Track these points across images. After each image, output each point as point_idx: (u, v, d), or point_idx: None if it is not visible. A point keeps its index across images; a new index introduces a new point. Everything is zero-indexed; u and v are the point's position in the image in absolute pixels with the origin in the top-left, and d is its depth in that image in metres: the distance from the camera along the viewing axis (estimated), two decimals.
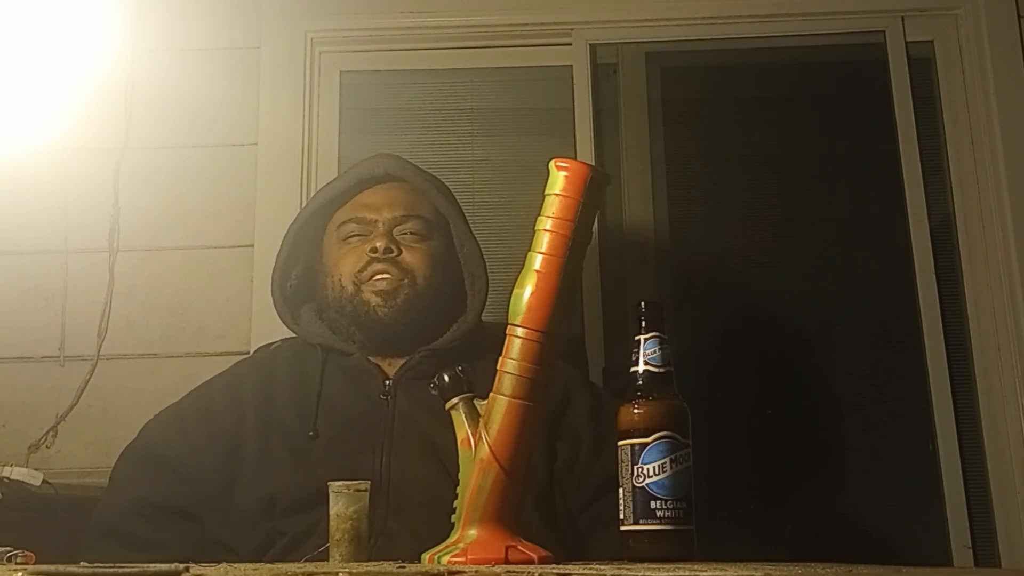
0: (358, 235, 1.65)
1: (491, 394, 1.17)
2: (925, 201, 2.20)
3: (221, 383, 1.69)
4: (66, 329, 2.14)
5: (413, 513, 1.46)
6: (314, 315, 1.69)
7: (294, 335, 1.71)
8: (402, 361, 1.62)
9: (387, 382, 1.61)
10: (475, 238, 1.71)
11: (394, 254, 1.62)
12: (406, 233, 1.65)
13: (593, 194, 1.18)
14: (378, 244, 1.61)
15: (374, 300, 1.60)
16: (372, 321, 1.60)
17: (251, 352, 1.85)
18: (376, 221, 1.65)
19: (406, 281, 1.61)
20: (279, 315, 1.70)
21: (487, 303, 1.68)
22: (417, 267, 1.63)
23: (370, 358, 1.63)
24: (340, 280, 1.63)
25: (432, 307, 1.63)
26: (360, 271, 1.62)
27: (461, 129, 2.35)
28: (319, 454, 1.53)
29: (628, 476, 1.17)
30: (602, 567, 1.05)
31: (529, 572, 0.99)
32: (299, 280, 1.72)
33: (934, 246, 2.19)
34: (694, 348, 2.07)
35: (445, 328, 1.64)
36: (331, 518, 1.26)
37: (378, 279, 1.61)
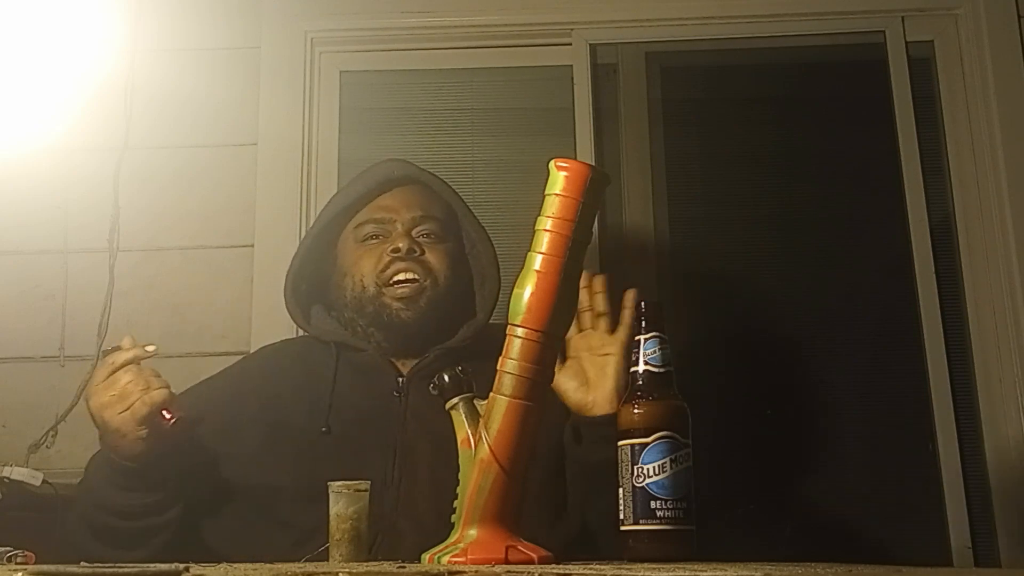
0: (376, 236, 1.66)
1: (491, 394, 1.17)
2: (925, 201, 2.20)
3: (222, 382, 1.70)
4: (66, 329, 2.13)
5: (422, 511, 1.47)
6: (324, 313, 1.70)
7: (296, 336, 1.72)
8: (415, 360, 1.63)
9: (400, 379, 1.61)
10: (489, 239, 1.73)
11: (417, 254, 1.63)
12: (423, 235, 1.67)
13: (593, 194, 1.18)
14: (400, 244, 1.63)
15: (396, 304, 1.61)
16: (394, 323, 1.62)
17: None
18: (395, 221, 1.67)
19: (429, 282, 1.63)
20: (292, 317, 1.71)
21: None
22: (439, 268, 1.65)
23: (384, 356, 1.64)
24: (361, 280, 1.64)
25: (450, 308, 1.66)
26: (382, 271, 1.63)
27: (461, 129, 2.35)
28: (331, 450, 1.53)
29: (628, 476, 1.17)
30: (602, 567, 1.05)
31: (529, 572, 1.00)
32: (309, 283, 1.73)
33: (934, 246, 2.19)
34: (694, 348, 2.07)
35: (456, 328, 1.66)
36: (331, 518, 1.27)
37: (400, 280, 1.62)
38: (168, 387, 1.42)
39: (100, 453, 1.49)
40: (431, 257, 1.64)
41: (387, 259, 1.63)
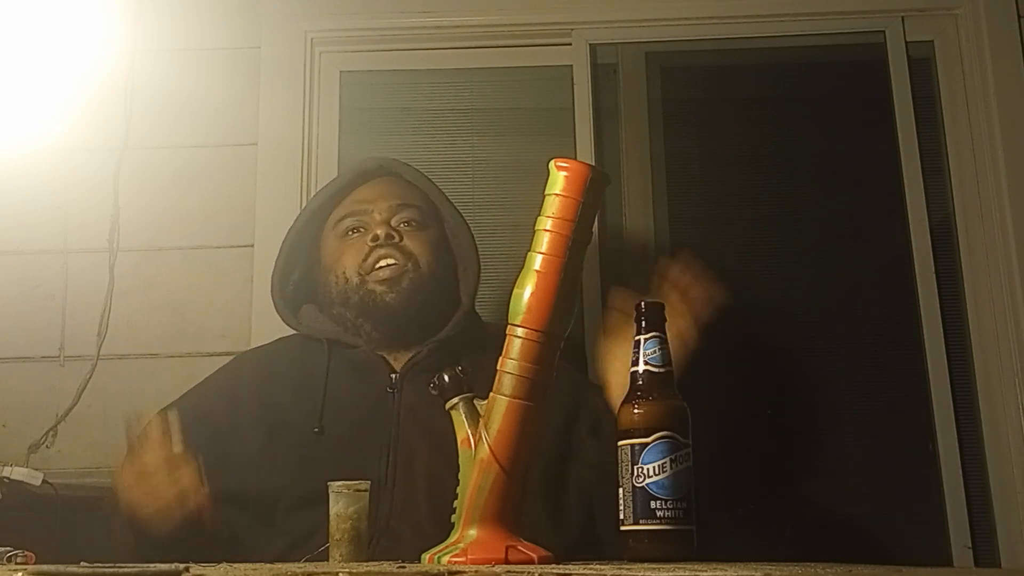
0: (356, 228, 1.67)
1: (491, 394, 1.17)
2: (925, 201, 2.20)
3: (216, 386, 1.69)
4: (66, 329, 2.14)
5: (420, 512, 1.46)
6: (316, 311, 1.70)
7: (290, 334, 1.72)
8: (408, 355, 1.62)
9: (393, 375, 1.61)
10: (467, 225, 1.74)
11: (396, 240, 1.63)
12: (403, 223, 1.67)
13: (593, 194, 1.18)
14: (379, 232, 1.63)
15: (380, 288, 1.61)
16: (380, 308, 1.61)
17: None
18: (372, 212, 1.67)
19: (410, 265, 1.63)
20: (281, 317, 1.71)
21: (486, 302, 1.69)
22: (420, 252, 1.65)
23: (376, 351, 1.64)
24: (344, 273, 1.64)
25: (435, 293, 1.65)
26: (363, 260, 1.63)
27: (461, 129, 2.35)
28: (325, 451, 1.53)
29: (628, 476, 1.17)
30: (602, 567, 1.05)
31: (529, 572, 1.00)
32: (297, 285, 1.73)
33: (934, 246, 2.19)
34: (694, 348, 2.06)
35: (445, 319, 1.65)
36: (331, 518, 1.27)
37: (382, 266, 1.62)
38: (204, 484, 1.37)
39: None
40: (411, 243, 1.65)
41: (367, 248, 1.63)
